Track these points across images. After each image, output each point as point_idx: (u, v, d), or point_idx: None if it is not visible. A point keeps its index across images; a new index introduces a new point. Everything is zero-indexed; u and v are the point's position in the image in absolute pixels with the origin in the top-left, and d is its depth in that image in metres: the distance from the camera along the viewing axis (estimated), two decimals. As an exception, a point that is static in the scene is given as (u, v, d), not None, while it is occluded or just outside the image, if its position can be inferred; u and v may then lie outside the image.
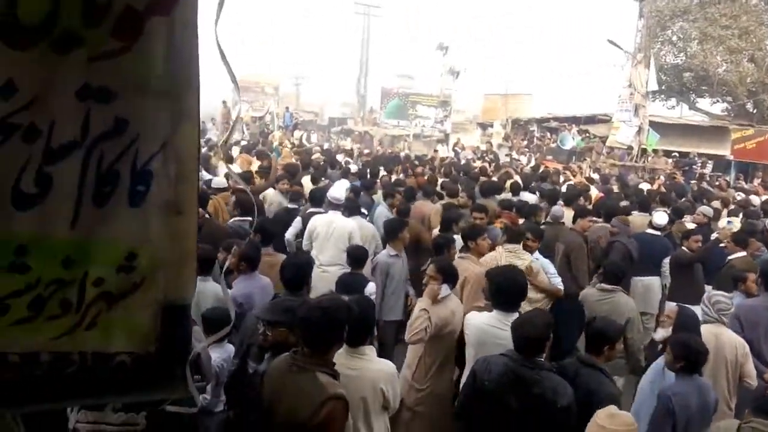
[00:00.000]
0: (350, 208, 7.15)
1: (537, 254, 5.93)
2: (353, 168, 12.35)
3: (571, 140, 21.90)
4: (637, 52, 19.81)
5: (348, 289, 4.54)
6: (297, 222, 7.01)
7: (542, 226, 6.93)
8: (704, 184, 14.63)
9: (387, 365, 3.45)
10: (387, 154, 18.92)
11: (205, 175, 9.21)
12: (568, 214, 7.77)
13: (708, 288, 6.19)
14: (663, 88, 24.69)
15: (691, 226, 8.21)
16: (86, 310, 1.51)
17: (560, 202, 8.61)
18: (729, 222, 8.33)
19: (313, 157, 14.32)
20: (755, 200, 11.61)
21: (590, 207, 8.61)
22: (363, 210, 7.67)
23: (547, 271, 5.71)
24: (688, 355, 3.69)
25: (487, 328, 3.95)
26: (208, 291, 4.47)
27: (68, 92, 1.43)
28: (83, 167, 1.47)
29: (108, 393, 1.59)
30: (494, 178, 11.44)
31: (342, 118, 38.37)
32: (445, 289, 4.33)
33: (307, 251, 6.48)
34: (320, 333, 2.85)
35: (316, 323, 2.83)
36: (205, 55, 1.57)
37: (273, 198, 8.39)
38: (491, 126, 28.01)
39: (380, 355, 3.64)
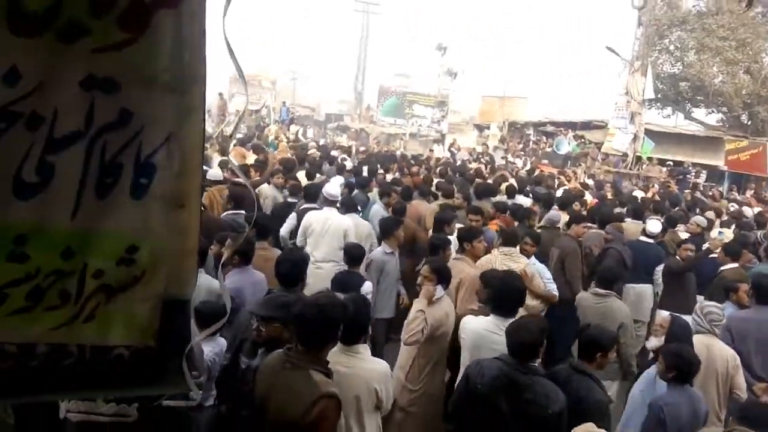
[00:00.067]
0: (347, 205, 7.14)
1: (533, 259, 5.94)
2: (348, 165, 12.32)
3: (566, 145, 21.95)
4: (635, 60, 19.88)
5: (344, 287, 4.53)
6: (292, 218, 6.99)
7: (538, 230, 6.94)
8: (697, 194, 14.69)
9: (381, 364, 3.45)
10: (383, 153, 18.90)
11: (200, 166, 9.14)
12: (562, 219, 7.79)
13: (700, 298, 6.22)
14: (659, 96, 24.76)
15: (684, 235, 8.24)
16: (85, 302, 1.50)
17: (555, 206, 8.62)
18: (720, 233, 8.37)
19: (309, 152, 14.29)
20: (748, 212, 11.67)
21: (585, 213, 8.63)
22: (358, 207, 7.66)
23: (542, 276, 5.72)
24: (681, 365, 3.70)
25: (484, 333, 3.95)
26: (201, 284, 4.43)
27: (72, 82, 1.41)
28: (86, 158, 1.45)
29: (105, 386, 1.58)
30: (489, 181, 11.44)
31: (339, 114, 38.29)
32: (439, 290, 4.34)
33: (301, 247, 6.47)
34: (315, 331, 2.84)
35: (311, 321, 2.82)
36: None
37: (268, 192, 8.38)
38: (488, 128, 28.04)
39: (372, 353, 3.64)
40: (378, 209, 7.89)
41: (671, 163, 19.96)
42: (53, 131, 1.41)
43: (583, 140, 22.80)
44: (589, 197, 11.30)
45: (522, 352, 3.33)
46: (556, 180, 13.62)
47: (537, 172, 15.60)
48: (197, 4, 1.50)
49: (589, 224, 7.75)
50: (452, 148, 23.23)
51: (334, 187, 7.35)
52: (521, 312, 4.18)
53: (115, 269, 1.51)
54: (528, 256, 5.87)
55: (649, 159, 19.62)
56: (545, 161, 21.14)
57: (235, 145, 13.47)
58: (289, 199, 7.78)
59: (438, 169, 13.42)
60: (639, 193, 13.25)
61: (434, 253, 5.38)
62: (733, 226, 9.37)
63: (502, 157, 21.60)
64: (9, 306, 1.43)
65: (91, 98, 1.43)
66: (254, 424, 2.86)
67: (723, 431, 3.31)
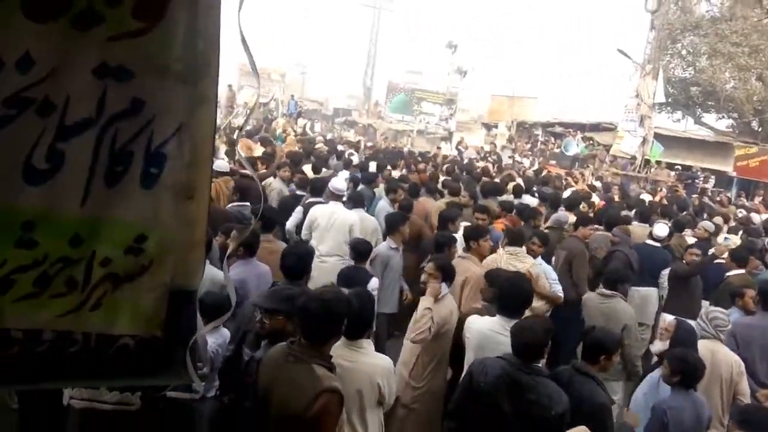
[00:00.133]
0: (354, 200, 7.14)
1: (539, 259, 5.93)
2: (355, 160, 12.31)
3: (575, 146, 21.88)
4: (646, 63, 19.77)
5: (350, 282, 4.53)
6: (298, 212, 6.99)
7: (545, 230, 6.93)
8: (705, 199, 14.62)
9: (384, 360, 3.45)
10: (390, 149, 18.88)
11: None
12: (569, 220, 7.78)
13: (705, 303, 6.19)
14: (670, 100, 24.64)
15: (691, 240, 8.21)
16: (92, 290, 1.49)
17: (562, 207, 8.60)
18: (726, 238, 8.32)
19: (316, 146, 14.29)
20: (756, 218, 11.61)
21: (592, 215, 8.60)
22: (364, 203, 7.65)
23: (548, 277, 5.70)
24: (685, 369, 3.69)
25: (489, 333, 3.94)
26: (205, 274, 4.42)
27: (86, 69, 1.40)
28: (96, 145, 1.45)
29: (109, 375, 1.58)
30: (496, 180, 11.42)
31: (347, 109, 38.25)
32: (443, 288, 4.34)
33: (306, 241, 6.47)
34: (319, 325, 2.84)
35: (316, 315, 2.82)
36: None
37: (274, 185, 8.38)
38: (496, 127, 27.97)
39: (374, 348, 3.64)
40: (384, 205, 7.88)
41: (680, 167, 19.87)
42: (64, 118, 1.40)
43: (591, 142, 22.72)
44: (596, 199, 11.26)
45: (526, 352, 3.32)
46: (563, 181, 13.58)
47: (545, 172, 15.56)
48: None
49: (596, 226, 7.73)
50: (460, 147, 23.20)
51: (340, 181, 7.36)
52: (526, 313, 4.17)
53: (123, 258, 1.51)
54: (535, 257, 5.86)
55: (658, 163, 19.53)
56: (553, 162, 21.09)
57: (240, 137, 13.47)
58: (298, 192, 7.78)
59: (445, 166, 13.40)
60: (647, 197, 13.19)
61: (439, 251, 5.38)
62: (741, 233, 9.33)
63: (510, 157, 21.56)
64: (16, 292, 1.42)
65: (103, 86, 1.42)
66: (257, 416, 2.86)
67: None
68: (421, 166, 12.57)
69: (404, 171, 11.75)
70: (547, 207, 8.84)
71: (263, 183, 8.25)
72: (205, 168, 1.58)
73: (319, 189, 7.35)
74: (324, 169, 9.76)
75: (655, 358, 4.63)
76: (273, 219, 5.92)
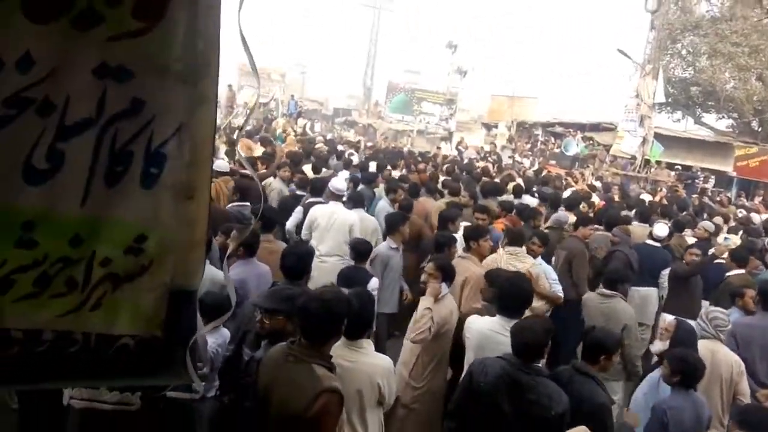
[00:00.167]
0: (354, 200, 7.14)
1: (539, 259, 5.93)
2: (355, 160, 12.31)
3: (575, 146, 21.88)
4: (646, 63, 19.76)
5: (350, 282, 4.53)
6: (298, 212, 6.99)
7: (545, 230, 6.93)
8: (705, 199, 14.62)
9: (384, 360, 3.45)
10: (390, 149, 18.88)
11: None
12: (569, 220, 7.78)
13: (705, 303, 6.18)
14: (670, 100, 24.64)
15: (691, 240, 8.21)
16: (92, 290, 1.49)
17: (562, 207, 8.60)
18: (726, 238, 8.32)
19: (316, 146, 14.28)
20: (756, 218, 11.61)
21: (592, 215, 8.60)
22: (364, 203, 7.65)
23: (548, 277, 5.71)
24: (686, 369, 3.69)
25: (489, 333, 3.94)
26: (205, 274, 4.43)
27: (86, 69, 1.40)
28: (96, 145, 1.45)
29: (109, 375, 1.58)
30: (496, 180, 11.42)
31: (347, 109, 38.24)
32: (443, 288, 4.35)
33: (306, 241, 6.47)
34: (319, 325, 2.84)
35: (316, 315, 2.82)
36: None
37: (274, 185, 8.38)
38: (496, 127, 27.97)
39: (374, 348, 3.64)
40: (384, 205, 7.88)
41: (680, 167, 19.87)
42: (64, 118, 1.40)
43: (591, 142, 22.72)
44: (596, 199, 11.26)
45: (526, 352, 3.32)
46: (563, 181, 13.57)
47: (545, 172, 15.56)
48: None
49: (596, 226, 7.73)
50: (460, 147, 23.20)
51: (340, 181, 7.36)
52: (526, 313, 4.17)
53: (123, 258, 1.51)
54: (535, 257, 5.86)
55: (658, 163, 19.53)
56: (553, 162, 21.09)
57: (240, 137, 13.47)
58: (298, 192, 7.78)
59: (445, 166, 13.40)
60: (647, 197, 13.20)
61: (439, 251, 5.38)
62: (741, 233, 9.33)
63: (510, 157, 21.56)
64: (16, 292, 1.42)
65: (103, 86, 1.42)
66: (257, 416, 2.86)
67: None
68: (421, 166, 12.57)
69: (404, 171, 11.75)
70: (547, 207, 8.84)
71: (263, 183, 8.24)
72: (205, 168, 1.58)
73: (319, 189, 7.35)
74: (324, 169, 9.76)
75: (655, 358, 4.63)
76: (273, 219, 5.93)
